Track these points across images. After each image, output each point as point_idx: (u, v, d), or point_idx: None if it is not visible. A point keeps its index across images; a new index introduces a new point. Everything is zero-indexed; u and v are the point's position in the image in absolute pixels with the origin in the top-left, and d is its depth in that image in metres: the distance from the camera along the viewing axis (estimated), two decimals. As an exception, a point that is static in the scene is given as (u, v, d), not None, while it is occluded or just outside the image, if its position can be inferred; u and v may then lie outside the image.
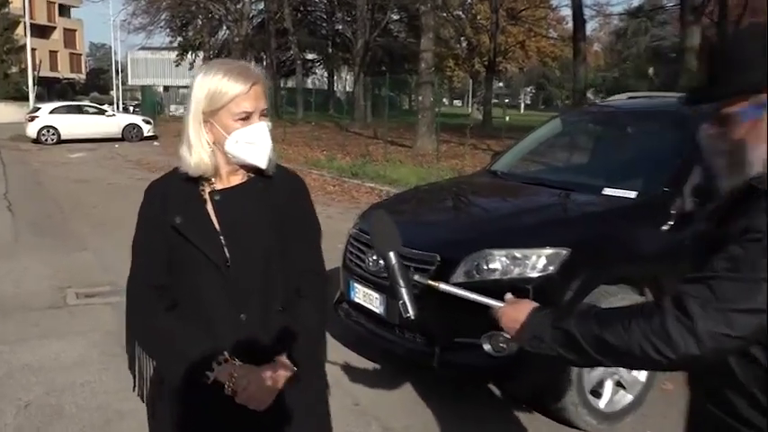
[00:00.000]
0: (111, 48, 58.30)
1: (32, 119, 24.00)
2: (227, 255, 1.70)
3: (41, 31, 60.54)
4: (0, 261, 7.06)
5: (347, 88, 55.83)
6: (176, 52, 43.02)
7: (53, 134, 23.92)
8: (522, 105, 64.09)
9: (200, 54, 40.49)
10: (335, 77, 49.35)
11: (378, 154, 16.78)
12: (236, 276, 1.69)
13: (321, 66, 48.54)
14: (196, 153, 1.72)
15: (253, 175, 1.78)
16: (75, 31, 69.57)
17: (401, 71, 33.88)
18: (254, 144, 1.71)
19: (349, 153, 17.69)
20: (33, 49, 46.62)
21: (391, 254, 1.65)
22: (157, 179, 1.83)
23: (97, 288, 6.05)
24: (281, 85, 38.39)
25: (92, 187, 12.68)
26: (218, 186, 1.76)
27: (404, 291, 1.61)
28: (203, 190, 1.76)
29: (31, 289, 6.08)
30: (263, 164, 1.73)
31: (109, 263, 6.80)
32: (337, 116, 32.86)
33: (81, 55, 72.66)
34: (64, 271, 6.67)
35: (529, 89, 73.16)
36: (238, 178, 1.77)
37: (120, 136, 25.11)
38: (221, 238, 1.71)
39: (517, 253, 3.29)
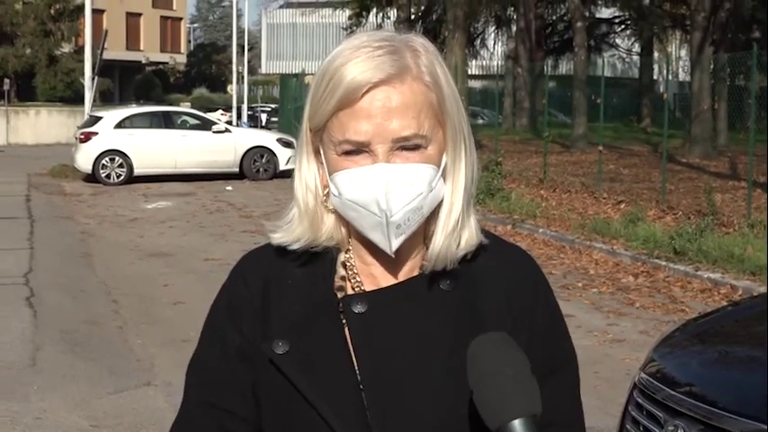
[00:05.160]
0: (231, 5, 63.06)
1: (86, 138, 26.49)
2: (371, 425, 1.74)
3: (114, -20, 67.26)
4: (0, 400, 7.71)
5: (681, 76, 55.36)
6: (349, 10, 45.42)
7: (120, 165, 26.34)
8: None
9: (392, 14, 42.51)
10: (656, 56, 49.23)
11: (734, 210, 16.64)
12: None
13: (627, 33, 48.67)
14: (299, 210, 1.84)
15: (425, 262, 1.82)
16: (171, -24, 76.50)
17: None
18: (362, 206, 1.75)
19: (673, 208, 17.73)
20: (99, 11, 51.88)
21: (516, 425, 1.59)
22: (255, 251, 1.95)
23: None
24: (547, 70, 39.04)
25: (175, 267, 13.61)
26: (364, 281, 1.84)
27: None
28: (342, 288, 1.83)
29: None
30: (384, 245, 1.77)
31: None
32: (657, 132, 32.60)
33: (181, 20, 79.75)
34: (106, 424, 7.16)
35: None
36: (405, 266, 1.83)
37: (238, 169, 27.15)
38: (362, 390, 1.76)
39: None
